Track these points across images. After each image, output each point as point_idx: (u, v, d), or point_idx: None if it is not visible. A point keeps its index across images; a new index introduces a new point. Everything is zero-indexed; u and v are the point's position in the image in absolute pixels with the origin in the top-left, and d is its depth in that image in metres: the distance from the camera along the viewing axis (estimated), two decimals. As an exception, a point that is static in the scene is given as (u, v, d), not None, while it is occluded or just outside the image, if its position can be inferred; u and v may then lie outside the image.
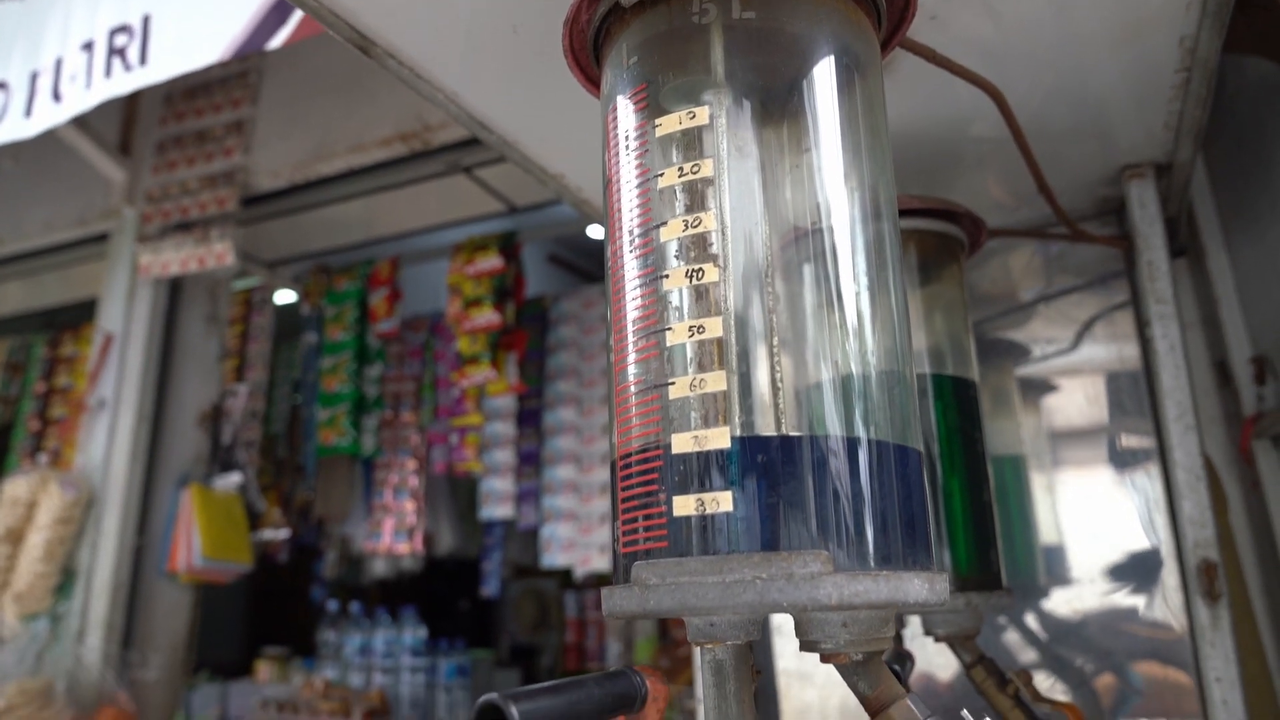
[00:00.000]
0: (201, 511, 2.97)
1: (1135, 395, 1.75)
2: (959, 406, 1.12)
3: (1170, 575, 1.48)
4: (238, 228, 2.97)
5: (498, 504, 3.55)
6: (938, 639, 1.08)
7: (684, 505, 0.59)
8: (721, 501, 0.58)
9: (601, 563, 3.39)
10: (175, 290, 3.19)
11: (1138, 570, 1.67)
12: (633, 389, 0.64)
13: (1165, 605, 1.57)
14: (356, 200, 3.03)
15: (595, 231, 4.27)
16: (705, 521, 0.58)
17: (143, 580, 2.88)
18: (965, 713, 0.60)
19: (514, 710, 0.48)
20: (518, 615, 5.59)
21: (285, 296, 4.06)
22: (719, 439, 0.59)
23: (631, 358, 0.64)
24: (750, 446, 0.58)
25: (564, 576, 5.25)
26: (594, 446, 3.46)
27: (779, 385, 0.60)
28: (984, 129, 1.19)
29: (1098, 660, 1.63)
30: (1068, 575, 1.80)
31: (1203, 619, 1.19)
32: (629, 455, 0.63)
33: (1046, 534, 1.86)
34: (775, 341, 0.60)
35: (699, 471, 0.59)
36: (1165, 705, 1.58)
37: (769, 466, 0.58)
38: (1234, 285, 1.66)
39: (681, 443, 0.60)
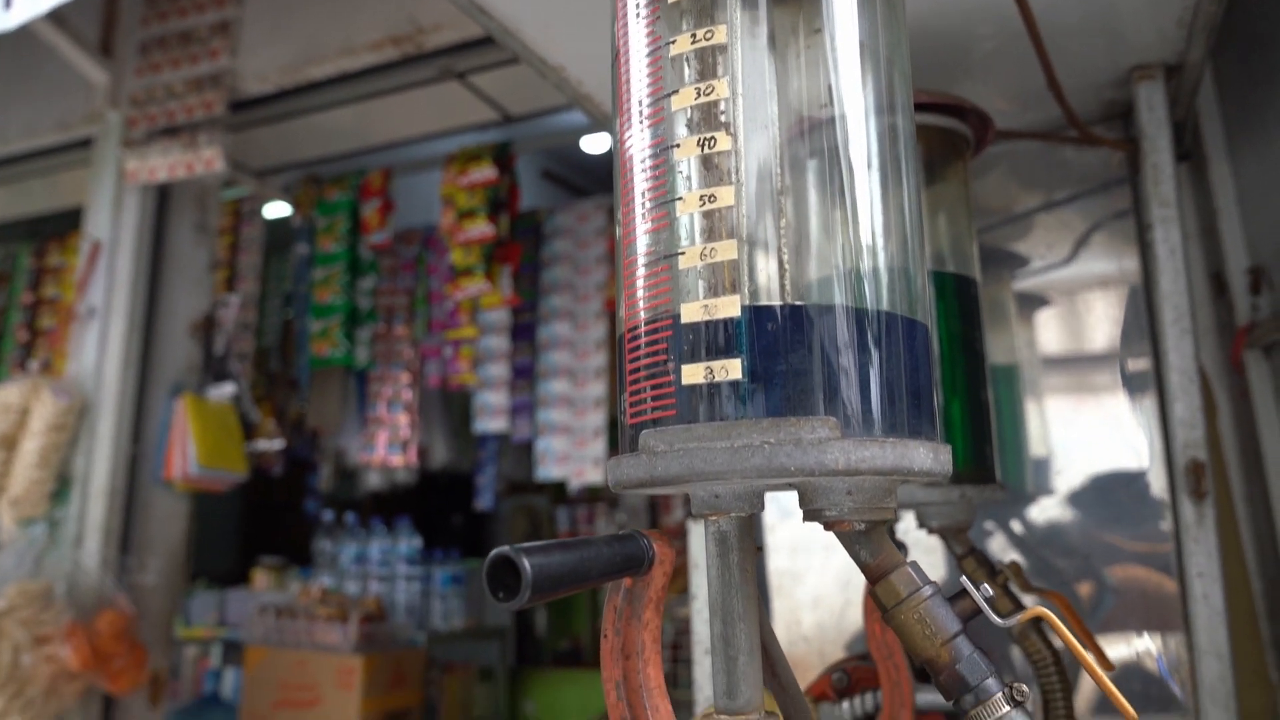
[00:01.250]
0: (196, 420, 2.98)
1: (1134, 311, 1.76)
2: (960, 304, 1.12)
3: (1157, 479, 1.50)
4: (226, 133, 2.91)
5: (492, 417, 3.58)
6: (931, 531, 1.10)
7: (693, 374, 0.59)
8: (730, 369, 0.58)
9: (595, 475, 3.43)
10: (163, 198, 3.14)
11: (1123, 482, 1.70)
12: (641, 261, 0.63)
13: (1149, 516, 1.60)
14: (347, 107, 2.97)
15: (590, 145, 4.21)
16: (714, 389, 0.58)
17: (139, 488, 2.90)
18: (964, 579, 0.61)
19: (525, 562, 0.49)
20: (510, 530, 5.68)
21: (276, 210, 4.01)
22: (729, 308, 0.59)
23: (641, 229, 0.64)
24: (760, 315, 0.58)
25: (556, 492, 5.32)
26: (588, 361, 3.47)
27: (789, 255, 0.59)
28: (992, 27, 1.17)
29: (1078, 567, 1.67)
30: (1054, 486, 1.83)
31: (1188, 517, 1.21)
32: (637, 327, 0.63)
33: (1036, 445, 1.88)
34: (786, 211, 0.60)
35: (708, 340, 0.59)
36: (1147, 615, 1.62)
37: (778, 335, 0.58)
38: (1235, 195, 1.65)
39: (691, 312, 0.60)
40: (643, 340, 0.62)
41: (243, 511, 5.25)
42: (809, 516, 0.62)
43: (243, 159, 3.29)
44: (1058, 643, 1.09)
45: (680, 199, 0.61)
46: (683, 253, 0.61)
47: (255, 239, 3.69)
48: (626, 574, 0.57)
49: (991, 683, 0.58)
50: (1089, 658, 0.58)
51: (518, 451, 3.92)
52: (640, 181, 0.64)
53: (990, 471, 1.08)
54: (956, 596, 0.62)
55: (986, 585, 0.61)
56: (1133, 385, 1.74)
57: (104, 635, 2.59)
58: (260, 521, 5.29)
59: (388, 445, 3.77)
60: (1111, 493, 1.72)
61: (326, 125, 3.11)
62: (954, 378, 1.06)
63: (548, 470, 3.47)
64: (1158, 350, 1.32)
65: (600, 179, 4.67)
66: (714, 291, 0.59)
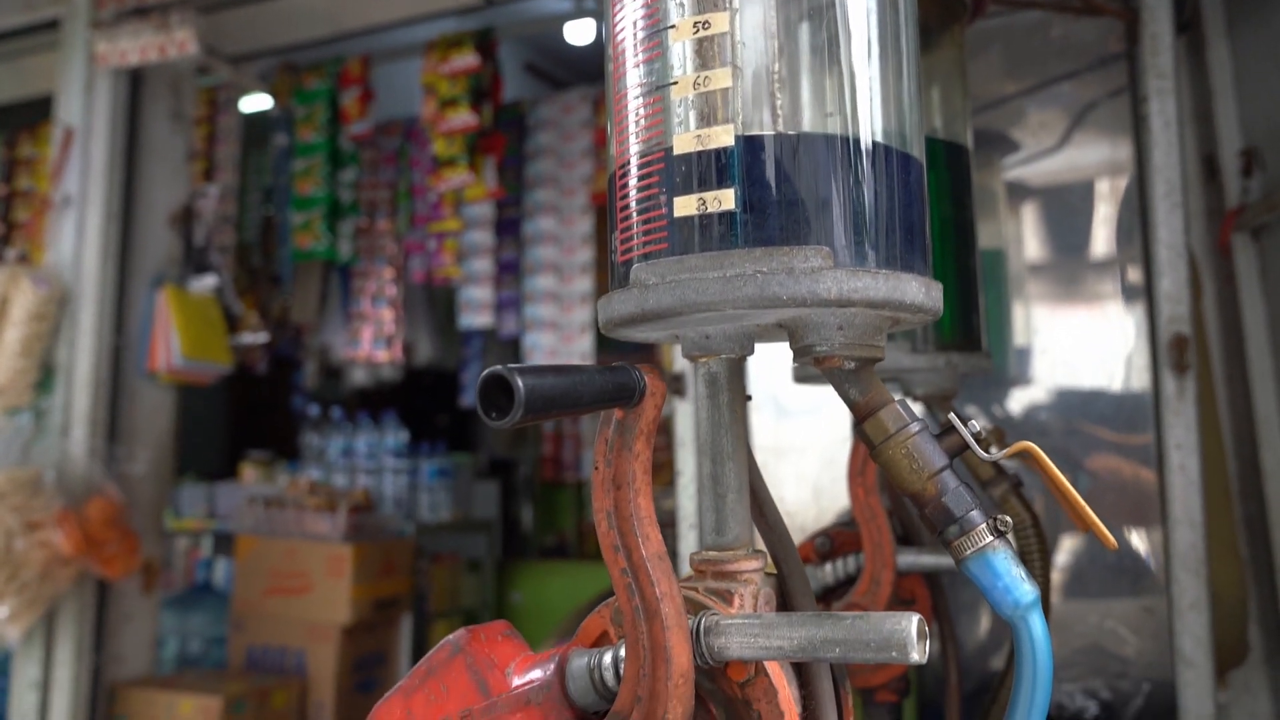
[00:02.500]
0: (178, 312, 2.95)
1: (1122, 202, 1.74)
2: (951, 171, 1.11)
3: (1139, 370, 1.52)
4: (198, 15, 2.80)
5: (477, 313, 3.56)
6: (916, 399, 1.11)
7: (685, 205, 0.58)
8: (724, 200, 0.57)
9: (580, 370, 3.43)
10: (136, 85, 3.04)
11: (1105, 372, 1.72)
12: (632, 94, 0.62)
13: (1130, 406, 1.62)
14: (322, -12, 2.86)
15: (574, 34, 4.09)
16: (706, 221, 0.57)
17: (124, 379, 2.89)
18: (951, 415, 0.62)
19: (519, 381, 0.49)
20: (496, 430, 5.71)
21: (252, 104, 3.91)
22: (722, 137, 0.57)
23: (632, 62, 0.62)
24: (753, 145, 0.57)
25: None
26: (574, 256, 3.44)
27: (783, 84, 0.58)
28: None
29: (1057, 454, 1.70)
30: (1036, 374, 1.84)
31: (1169, 390, 1.23)
32: (627, 163, 0.62)
33: (1019, 335, 1.89)
34: (780, 39, 0.58)
35: (700, 171, 0.58)
36: (1123, 505, 1.66)
37: (772, 165, 0.57)
38: (1231, 75, 1.63)
39: (684, 143, 0.58)
40: (633, 174, 0.61)
41: (230, 409, 5.25)
42: (799, 355, 0.62)
43: (216, 44, 3.18)
44: (1037, 506, 1.11)
45: (674, 26, 0.59)
46: (675, 83, 0.59)
47: (232, 129, 3.59)
48: (618, 404, 0.57)
49: (976, 514, 0.59)
50: (1072, 490, 0.59)
51: (503, 348, 3.91)
52: (632, 11, 0.62)
53: (977, 339, 1.08)
54: (943, 433, 0.62)
55: (974, 422, 0.62)
56: (1120, 276, 1.75)
57: (95, 522, 2.61)
58: (247, 419, 5.31)
59: (373, 341, 3.76)
60: (1093, 382, 1.74)
61: (301, 8, 3.00)
62: (943, 243, 1.06)
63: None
64: (1147, 226, 1.31)
65: (584, 72, 4.55)
66: (706, 121, 0.58)
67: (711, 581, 0.64)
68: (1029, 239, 1.91)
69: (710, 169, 0.57)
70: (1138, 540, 1.62)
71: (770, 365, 1.80)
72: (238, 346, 3.38)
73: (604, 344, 3.55)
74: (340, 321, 3.85)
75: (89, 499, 2.66)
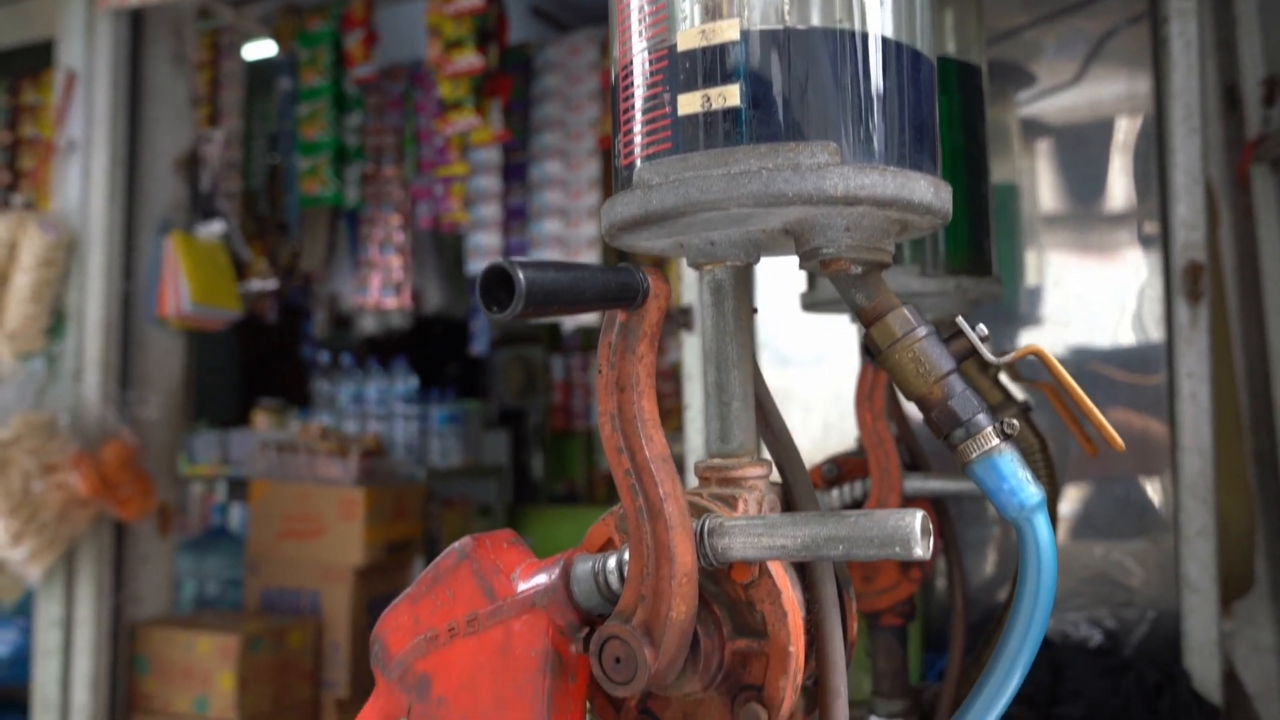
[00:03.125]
0: (186, 258, 2.94)
1: (1146, 138, 1.71)
2: (963, 94, 1.09)
3: (1153, 291, 1.50)
4: (199, -45, 2.76)
5: (484, 259, 3.54)
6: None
7: (689, 103, 0.57)
8: (728, 96, 0.56)
9: (589, 318, 3.43)
10: (137, 28, 3.01)
11: (1117, 312, 1.70)
12: (635, -9, 0.60)
13: (1141, 352, 1.60)
14: (325, -74, 2.81)
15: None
16: (711, 118, 0.56)
17: (134, 324, 2.89)
18: (959, 319, 0.61)
19: (520, 274, 0.48)
20: (506, 380, 5.73)
21: (254, 51, 3.86)
22: (728, 32, 0.56)
23: (635, -42, 0.60)
24: (760, 40, 0.56)
25: (550, 341, 5.34)
26: (581, 201, 3.41)
27: (792, -23, 0.56)
28: None
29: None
30: (1046, 313, 1.83)
31: (1182, 318, 1.22)
32: (629, 64, 0.61)
33: (1031, 273, 1.87)
34: (790, -70, 0.56)
35: (705, 67, 0.56)
36: (1131, 453, 1.65)
37: (778, 60, 0.55)
38: (1256, 2, 1.59)
39: (688, 39, 0.57)
40: (637, 74, 0.60)
41: (241, 358, 5.28)
42: (805, 259, 0.61)
43: (218, -14, 3.14)
44: (1045, 430, 1.10)
45: (677, -83, 0.57)
46: (679, -24, 0.58)
47: (235, 74, 3.56)
48: (621, 304, 0.56)
49: (983, 417, 0.59)
50: (1081, 392, 0.58)
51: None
52: (634, -96, 0.60)
53: (987, 264, 1.07)
54: (951, 337, 0.62)
55: (982, 326, 0.61)
56: (1136, 217, 1.72)
57: (110, 464, 2.64)
58: (258, 368, 5.33)
59: (381, 288, 3.76)
60: (1106, 322, 1.72)
61: (304, -53, 2.95)
62: (954, 166, 1.04)
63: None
64: (1164, 153, 1.29)
65: (591, 14, 4.48)
66: (712, 16, 0.57)
67: (716, 488, 0.64)
68: (1043, 177, 1.88)
69: (715, 65, 0.56)
70: (1148, 489, 1.61)
71: (774, 317, 1.79)
72: (247, 293, 3.39)
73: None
74: (349, 269, 3.85)
75: (103, 443, 2.68)
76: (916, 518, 0.51)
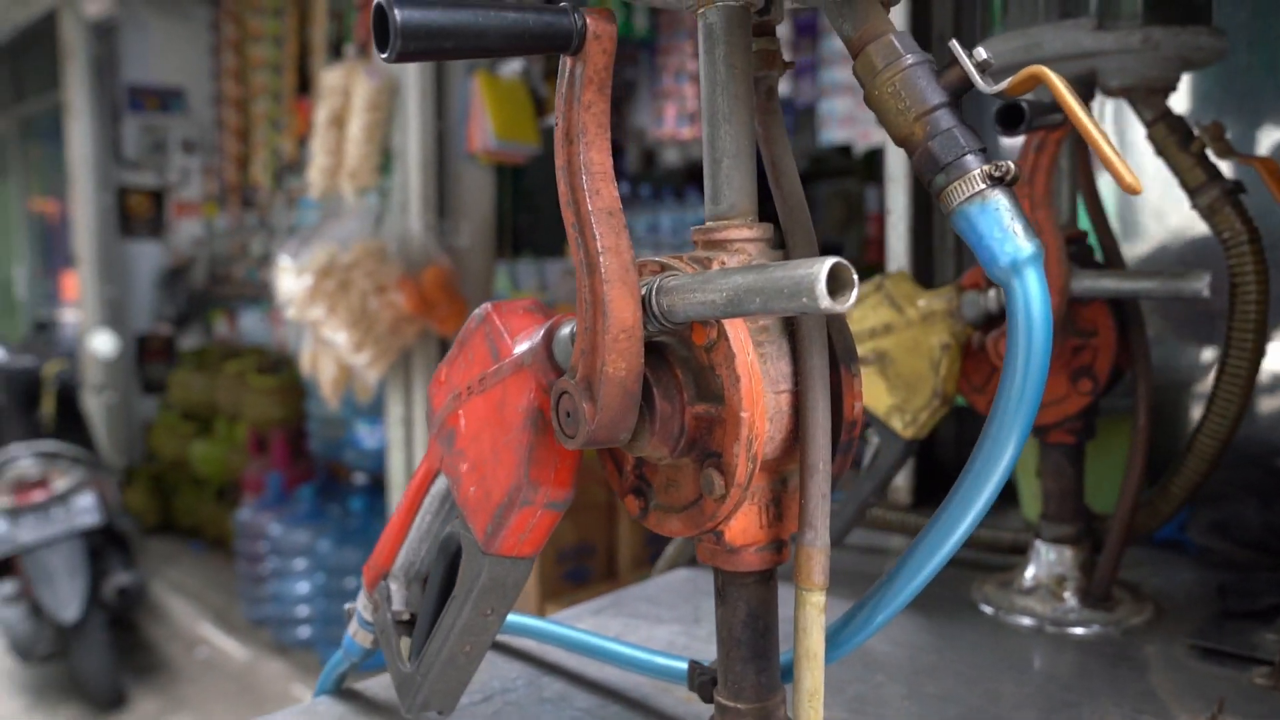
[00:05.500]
0: (490, 97, 3.17)
1: None
2: None
3: None
4: None
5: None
6: (1113, 94, 0.91)
7: None
8: None
9: (880, 136, 3.23)
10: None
11: None
12: None
13: None
14: None
15: None
16: None
17: (447, 160, 3.20)
18: (953, 43, 0.51)
19: (396, 12, 0.48)
20: (827, 214, 5.60)
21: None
22: None
23: None
24: None
25: (866, 172, 5.10)
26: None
27: None
28: None
29: None
30: None
31: None
32: None
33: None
34: None
35: None
36: None
37: None
38: None
39: None
40: None
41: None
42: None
43: None
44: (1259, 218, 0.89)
45: None
46: None
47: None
48: (551, 48, 0.53)
49: (971, 159, 0.50)
50: (1088, 123, 0.47)
51: (800, 116, 3.75)
52: None
53: (1198, 6, 0.85)
54: (947, 67, 0.52)
55: (981, 50, 0.50)
56: None
57: (430, 286, 3.00)
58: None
59: (676, 118, 3.78)
60: None
61: None
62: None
63: (830, 134, 3.32)
64: None
65: None
66: None
67: (700, 251, 0.61)
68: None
69: None
70: None
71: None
72: (546, 128, 3.58)
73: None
74: (648, 100, 3.91)
75: (424, 267, 3.04)
76: (825, 265, 0.45)
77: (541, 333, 0.63)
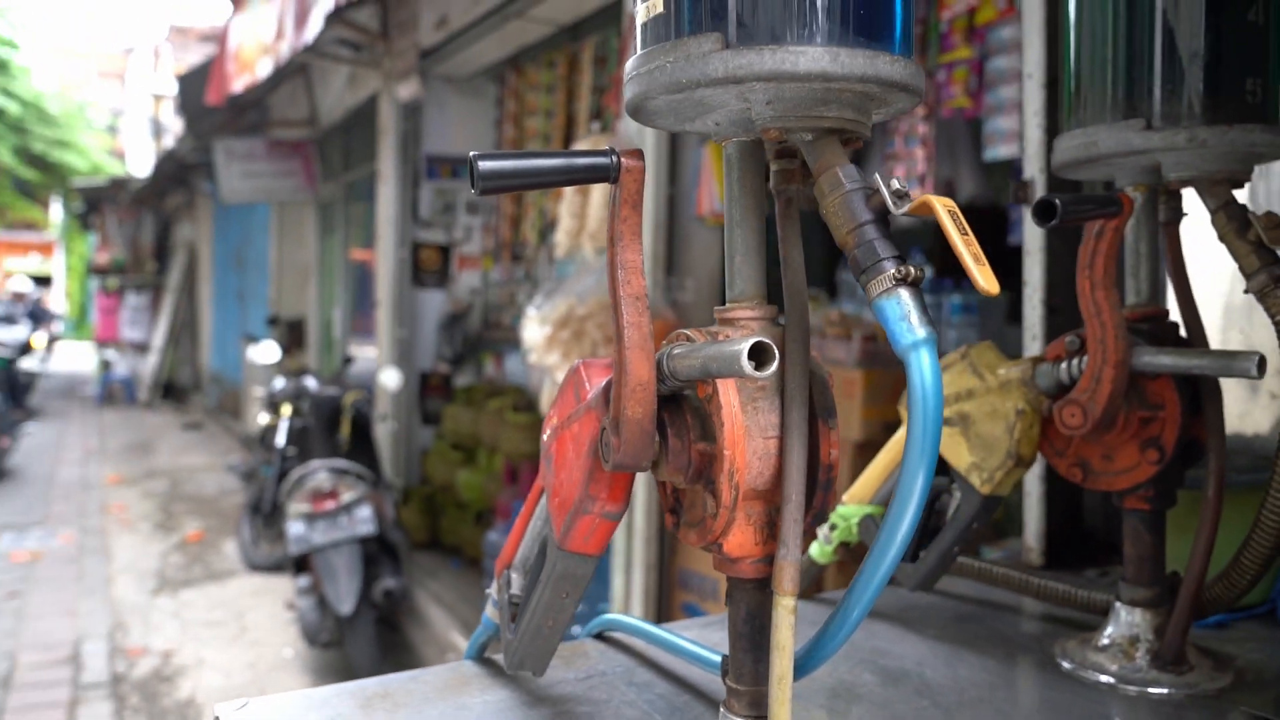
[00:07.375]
0: (717, 163, 3.43)
1: None
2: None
3: None
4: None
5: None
6: (1174, 186, 0.98)
7: (641, 13, 0.71)
8: (655, 6, 0.69)
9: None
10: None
11: None
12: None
13: None
14: None
15: None
16: (652, 22, 0.70)
17: (678, 222, 3.49)
18: (876, 175, 0.66)
19: (479, 164, 0.71)
20: (1049, 271, 5.36)
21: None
22: (658, -49, 0.69)
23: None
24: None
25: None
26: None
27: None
28: None
29: None
30: None
31: None
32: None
33: None
34: None
35: (648, -18, 0.70)
36: None
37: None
38: None
39: (641, -39, 0.71)
40: (630, -6, 0.75)
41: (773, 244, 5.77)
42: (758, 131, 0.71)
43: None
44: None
45: None
46: (641, -91, 0.72)
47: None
48: (596, 180, 0.74)
49: (887, 263, 0.65)
50: (955, 236, 0.61)
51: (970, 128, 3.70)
52: None
53: (1248, 105, 0.91)
54: (875, 192, 0.67)
55: (897, 180, 0.65)
56: None
57: (657, 337, 3.27)
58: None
59: (905, 181, 3.86)
60: None
61: None
62: (1187, -1, 0.91)
63: (994, 151, 3.29)
64: None
65: None
66: (655, -61, 0.70)
67: (717, 326, 0.79)
68: None
69: (652, -21, 0.70)
70: None
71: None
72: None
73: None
74: (876, 164, 4.01)
75: (652, 321, 3.32)
76: (745, 344, 0.62)
77: (604, 383, 0.83)
